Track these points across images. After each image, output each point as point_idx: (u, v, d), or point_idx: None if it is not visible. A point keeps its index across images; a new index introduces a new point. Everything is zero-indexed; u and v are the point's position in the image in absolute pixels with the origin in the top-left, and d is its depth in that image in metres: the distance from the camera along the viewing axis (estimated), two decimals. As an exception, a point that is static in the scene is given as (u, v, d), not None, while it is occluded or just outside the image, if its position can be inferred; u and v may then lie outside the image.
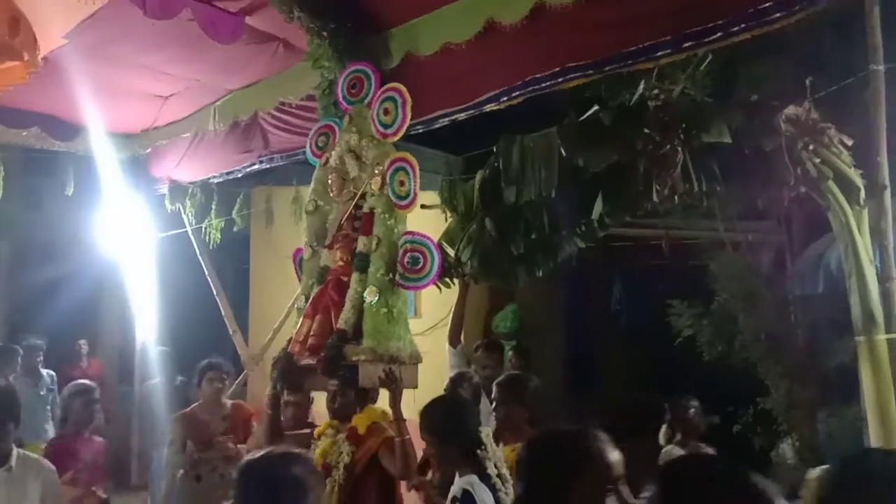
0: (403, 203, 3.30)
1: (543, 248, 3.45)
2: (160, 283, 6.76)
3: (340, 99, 3.71)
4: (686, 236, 5.30)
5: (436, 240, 3.49)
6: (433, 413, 2.75)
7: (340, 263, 3.37)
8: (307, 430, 3.37)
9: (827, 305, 4.09)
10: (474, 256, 3.53)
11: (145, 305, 6.67)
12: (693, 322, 4.99)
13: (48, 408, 6.67)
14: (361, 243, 3.33)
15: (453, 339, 4.28)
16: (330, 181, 3.48)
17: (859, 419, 3.38)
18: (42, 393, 6.61)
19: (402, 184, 3.30)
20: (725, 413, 5.29)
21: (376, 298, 3.17)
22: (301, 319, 3.37)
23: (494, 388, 3.29)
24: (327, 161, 3.61)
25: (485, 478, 2.53)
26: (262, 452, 1.88)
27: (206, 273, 6.91)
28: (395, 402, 3.06)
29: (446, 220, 4.06)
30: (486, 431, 2.67)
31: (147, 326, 6.70)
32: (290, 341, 3.34)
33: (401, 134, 3.50)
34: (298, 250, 3.73)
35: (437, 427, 2.69)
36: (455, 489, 2.50)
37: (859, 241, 3.26)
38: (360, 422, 3.14)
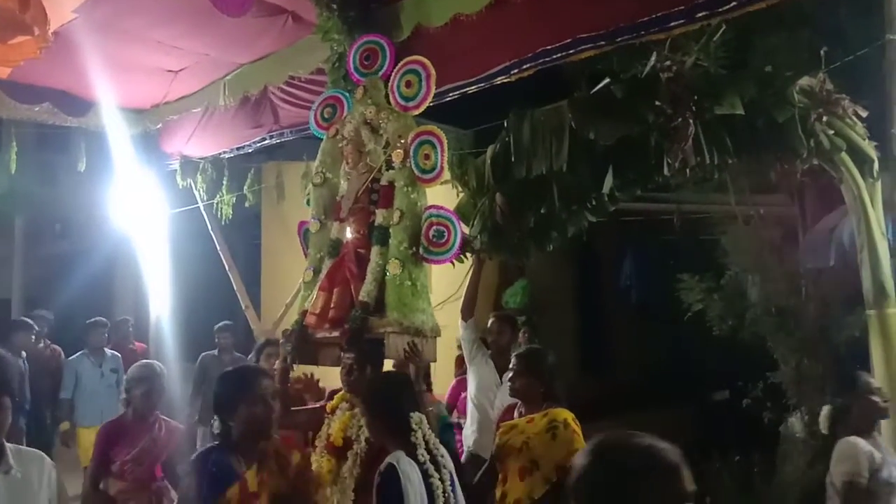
0: (429, 176, 3.29)
1: (554, 223, 3.43)
2: (172, 258, 6.82)
3: (352, 70, 3.68)
4: (697, 210, 5.27)
5: None
6: (372, 386, 2.83)
7: (357, 236, 3.34)
8: (319, 404, 3.36)
9: (838, 279, 4.06)
10: (484, 231, 3.53)
11: (158, 280, 6.74)
12: (703, 296, 4.97)
13: (114, 390, 6.14)
14: (381, 216, 3.31)
15: (466, 313, 4.30)
16: (345, 153, 3.45)
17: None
18: (105, 374, 6.30)
19: (427, 157, 3.28)
20: (735, 388, 5.31)
21: (400, 271, 3.18)
22: (315, 292, 3.35)
23: (513, 359, 3.34)
24: (337, 133, 3.59)
25: (415, 458, 2.56)
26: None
27: (218, 248, 6.96)
28: (419, 374, 3.11)
29: (457, 195, 4.05)
30: (419, 418, 2.66)
31: (160, 301, 6.77)
32: (303, 314, 3.33)
33: (423, 107, 3.47)
34: (303, 223, 3.72)
35: (370, 400, 2.75)
36: (383, 463, 2.55)
37: (872, 215, 3.24)
38: None
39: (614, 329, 8.12)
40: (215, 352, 6.14)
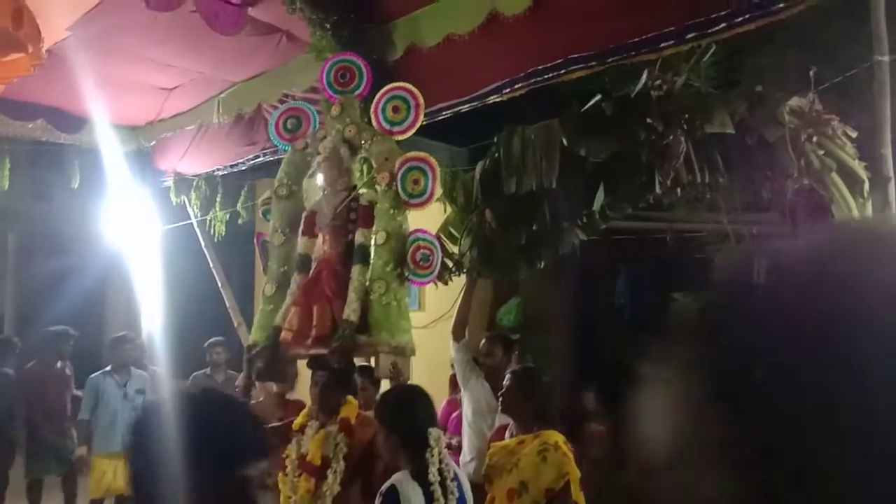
0: (417, 201, 3.29)
1: (544, 240, 3.44)
2: (165, 275, 6.79)
3: (326, 86, 3.63)
4: (690, 229, 5.27)
5: (434, 232, 3.51)
6: (385, 400, 2.80)
7: (332, 253, 3.30)
8: (285, 421, 3.36)
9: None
10: (474, 248, 3.52)
11: (150, 297, 6.70)
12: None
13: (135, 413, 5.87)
14: (362, 235, 3.30)
15: (458, 334, 4.28)
16: (322, 169, 3.43)
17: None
18: (129, 394, 5.88)
19: (416, 182, 3.27)
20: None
21: (385, 291, 3.17)
22: (284, 308, 3.29)
23: (507, 375, 3.33)
24: (307, 146, 3.56)
25: (423, 480, 2.47)
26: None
27: (211, 265, 6.93)
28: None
29: (445, 211, 4.05)
30: (437, 434, 2.59)
31: (152, 318, 6.73)
32: (276, 330, 3.25)
33: (409, 133, 3.47)
34: (261, 234, 3.68)
35: (384, 415, 2.70)
36: (385, 483, 2.50)
37: (863, 234, 3.25)
38: (349, 413, 3.17)
39: (608, 348, 8.09)
40: (207, 370, 6.02)
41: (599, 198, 3.20)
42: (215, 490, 1.22)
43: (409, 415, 2.65)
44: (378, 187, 3.36)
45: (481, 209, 3.47)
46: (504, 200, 3.41)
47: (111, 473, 5.71)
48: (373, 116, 3.46)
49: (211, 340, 6.11)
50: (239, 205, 6.61)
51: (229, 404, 1.44)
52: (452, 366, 5.27)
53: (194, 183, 6.23)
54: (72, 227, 7.94)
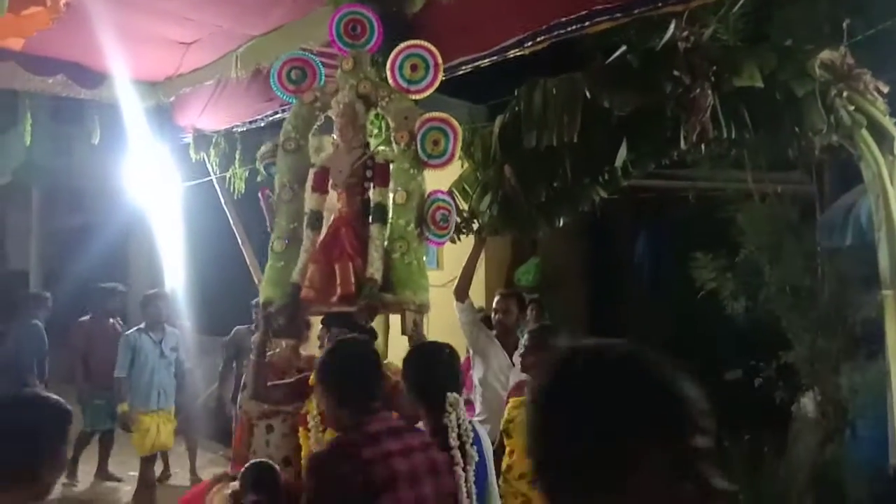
0: (437, 161, 3.27)
1: (564, 197, 3.40)
2: (186, 231, 6.85)
3: (335, 39, 3.51)
4: (713, 188, 5.20)
5: (448, 188, 3.48)
6: (411, 355, 2.77)
7: (347, 210, 3.28)
8: (299, 377, 3.35)
9: (855, 258, 4.01)
10: (493, 204, 3.49)
11: (172, 253, 6.78)
12: (717, 275, 4.93)
13: (172, 370, 6.07)
14: (379, 194, 3.29)
15: (461, 294, 4.29)
16: (337, 125, 3.36)
17: (883, 373, 3.35)
18: (165, 352, 5.99)
19: (436, 143, 3.24)
20: (747, 367, 5.27)
21: (407, 250, 3.18)
22: (306, 265, 3.25)
23: (526, 335, 3.35)
24: (316, 99, 3.49)
25: (442, 442, 2.45)
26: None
27: (231, 222, 6.97)
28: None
29: (462, 166, 4.00)
30: (454, 399, 2.54)
31: (174, 274, 6.82)
32: (295, 287, 3.21)
33: (428, 93, 3.41)
34: (265, 189, 3.63)
35: (408, 371, 2.69)
36: None
37: (891, 193, 3.18)
38: None
39: (626, 307, 8.08)
40: (252, 326, 6.06)
41: (622, 153, 3.14)
42: None
43: (431, 375, 2.61)
44: (396, 146, 3.32)
45: (500, 165, 3.43)
46: (523, 156, 3.37)
47: (155, 429, 5.86)
48: (389, 73, 3.39)
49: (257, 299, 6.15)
50: (258, 162, 6.60)
51: None
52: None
53: (213, 139, 6.22)
54: (93, 182, 8.01)
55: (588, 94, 3.17)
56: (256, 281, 7.14)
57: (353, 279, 3.12)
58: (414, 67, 3.37)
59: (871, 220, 3.37)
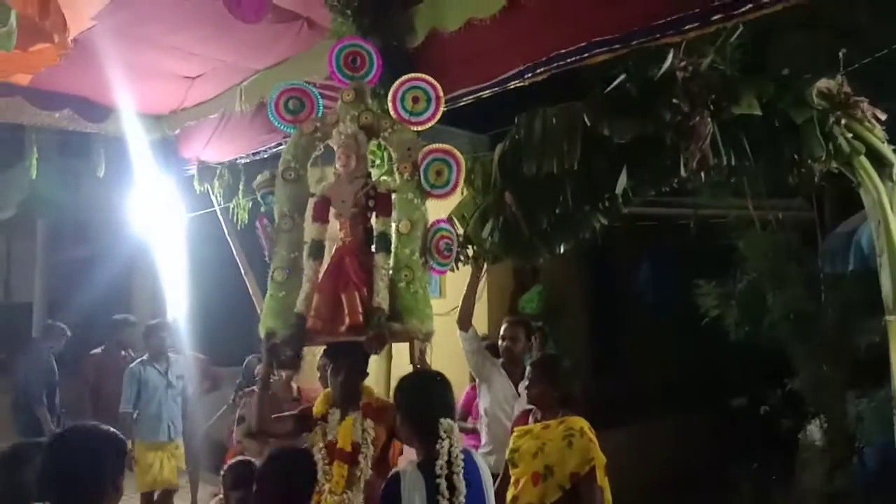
0: (440, 192, 3.29)
1: (565, 224, 3.42)
2: (190, 262, 6.87)
3: (335, 71, 3.52)
4: (714, 215, 5.23)
5: (444, 216, 3.50)
6: (401, 385, 2.80)
7: (350, 240, 3.29)
8: (302, 407, 3.39)
9: (857, 284, 4.01)
10: (494, 231, 3.50)
11: (175, 284, 6.79)
12: (720, 302, 4.93)
13: (180, 399, 5.96)
14: (382, 224, 3.29)
15: (464, 323, 4.29)
16: (338, 156, 3.36)
17: (889, 400, 3.33)
18: (172, 382, 5.90)
19: (439, 174, 3.27)
20: (753, 394, 5.24)
21: (413, 280, 3.18)
22: (310, 295, 3.22)
23: (528, 369, 3.35)
24: (317, 130, 3.48)
25: (430, 471, 2.43)
26: None
27: (235, 253, 7.00)
28: None
29: (461, 193, 4.04)
30: (448, 426, 2.53)
31: (177, 305, 6.82)
32: (300, 318, 3.17)
33: (429, 125, 3.43)
34: (263, 218, 3.57)
35: (399, 400, 2.72)
36: (393, 471, 2.50)
37: (891, 219, 3.20)
38: (369, 398, 3.21)
39: (630, 335, 8.06)
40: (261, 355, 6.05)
41: (622, 181, 3.17)
42: None
43: (422, 402, 2.63)
44: (399, 176, 3.34)
45: (500, 192, 3.45)
46: (524, 183, 3.39)
47: (158, 465, 5.75)
48: (391, 105, 3.42)
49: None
50: (256, 191, 6.65)
51: None
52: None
53: (217, 171, 6.29)
54: (98, 215, 8.06)
55: (588, 122, 3.21)
56: (259, 311, 7.16)
57: (360, 309, 3.10)
58: (416, 100, 3.39)
59: (872, 245, 3.38)
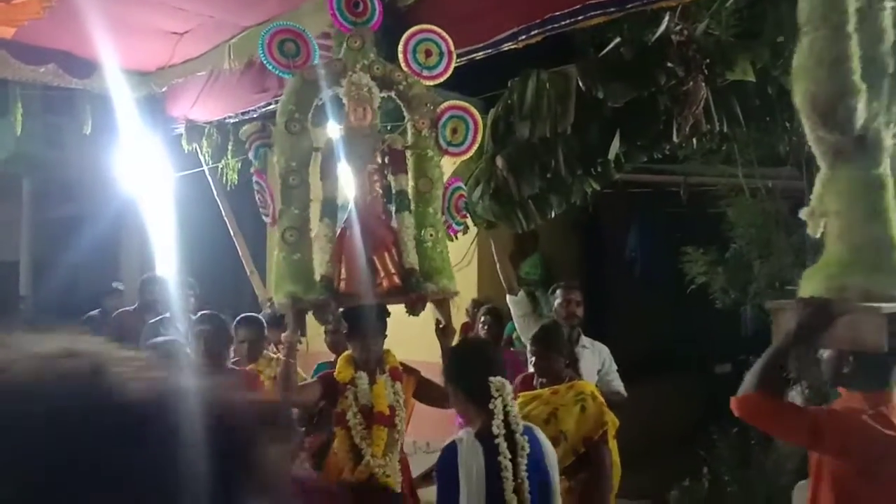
0: (456, 150, 3.23)
1: (557, 189, 3.41)
2: (179, 222, 6.82)
3: (337, 14, 3.29)
4: (704, 182, 5.23)
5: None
6: (449, 356, 2.79)
7: (368, 198, 3.12)
8: (323, 374, 3.29)
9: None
10: (485, 195, 3.50)
11: (164, 244, 6.75)
12: (707, 269, 4.97)
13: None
14: (400, 181, 3.15)
15: (512, 288, 4.31)
16: (350, 108, 3.15)
17: None
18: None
19: (454, 131, 3.20)
20: (737, 360, 5.31)
21: (437, 239, 3.12)
22: (336, 256, 3.04)
23: (530, 342, 3.38)
24: (319, 77, 3.21)
25: (486, 436, 2.33)
26: None
27: (224, 214, 6.97)
28: (450, 339, 3.10)
29: (454, 163, 4.02)
30: (500, 383, 2.41)
31: (166, 265, 6.79)
32: (327, 280, 3.00)
33: (442, 79, 3.33)
34: (259, 174, 3.32)
35: (447, 369, 2.67)
36: (449, 440, 2.41)
37: (880, 188, 3.21)
38: (394, 361, 3.16)
39: (618, 300, 8.12)
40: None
41: (615, 146, 3.16)
42: None
43: (469, 366, 2.56)
44: (415, 132, 3.21)
45: (492, 156, 3.43)
46: (516, 148, 3.37)
47: None
48: (402, 58, 3.27)
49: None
50: (251, 153, 6.57)
51: None
52: (467, 312, 5.33)
53: (206, 130, 6.21)
54: (85, 173, 7.96)
55: (581, 85, 3.18)
56: (248, 272, 7.15)
57: (395, 270, 3.01)
58: (428, 53, 3.27)
59: None
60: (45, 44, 5.45)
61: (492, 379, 2.40)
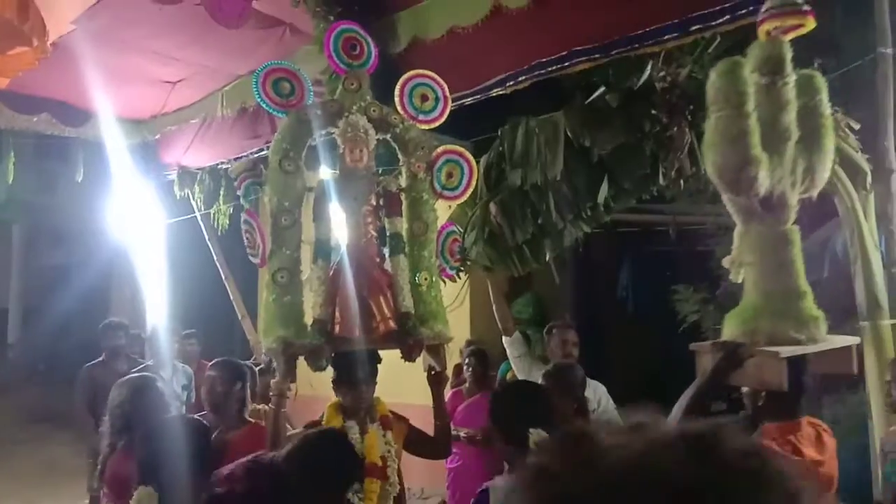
0: (450, 194, 3.22)
1: (549, 233, 3.45)
2: (170, 268, 6.82)
3: (333, 56, 3.29)
4: (692, 221, 5.29)
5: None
6: (494, 398, 2.67)
7: (363, 240, 3.07)
8: (312, 421, 3.12)
9: (833, 290, 4.08)
10: (479, 241, 3.53)
11: (155, 290, 6.73)
12: (699, 307, 5.00)
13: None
14: (394, 224, 3.12)
15: (507, 330, 4.30)
16: (351, 148, 3.09)
17: (863, 404, 3.39)
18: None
19: (450, 175, 3.20)
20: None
21: (432, 283, 3.08)
22: (329, 299, 2.96)
23: (542, 379, 3.27)
24: (313, 117, 3.19)
25: None
26: None
27: (215, 259, 6.97)
28: (443, 386, 3.05)
29: (449, 206, 4.05)
30: (538, 436, 2.31)
31: (157, 311, 6.76)
32: (320, 324, 2.93)
33: (437, 124, 3.35)
34: (251, 213, 3.24)
35: (494, 412, 2.55)
36: (481, 486, 2.36)
37: (865, 226, 3.27)
38: (384, 409, 3.04)
39: (611, 338, 8.12)
40: (179, 360, 5.68)
41: (604, 190, 3.22)
42: None
43: (510, 412, 2.47)
44: (407, 175, 3.20)
45: (485, 202, 3.48)
46: (509, 194, 3.42)
47: None
48: (398, 101, 3.28)
49: (186, 331, 5.86)
50: (240, 191, 6.60)
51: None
52: (461, 353, 5.30)
53: (198, 176, 6.25)
54: (76, 219, 7.97)
55: (569, 134, 3.24)
56: (240, 316, 7.12)
57: (391, 314, 2.93)
58: (424, 97, 3.29)
59: (846, 252, 3.45)
60: (40, 93, 5.50)
61: (532, 430, 2.34)
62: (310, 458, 2.34)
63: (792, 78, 2.30)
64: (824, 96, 2.43)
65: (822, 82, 2.46)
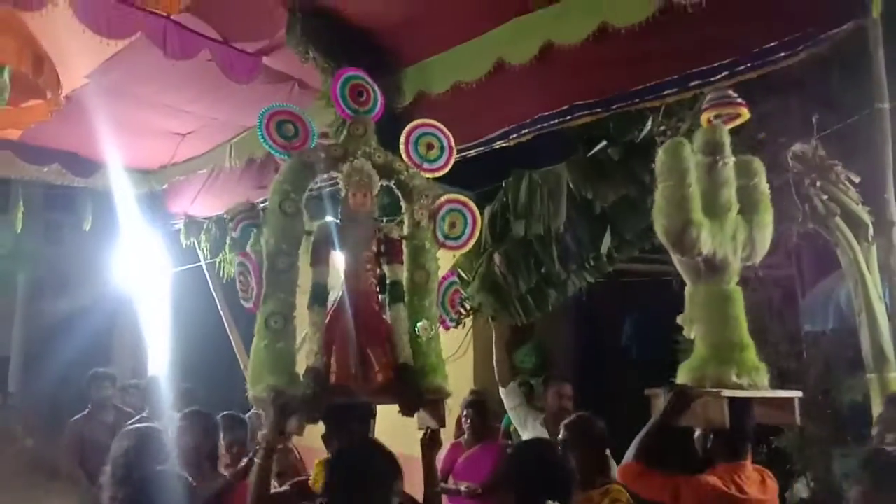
0: (453, 244, 3.18)
1: (553, 283, 3.47)
2: (174, 316, 6.83)
3: (340, 101, 3.27)
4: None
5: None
6: (511, 455, 2.63)
7: (363, 287, 2.99)
8: (298, 480, 3.02)
9: (838, 342, 4.06)
10: (482, 291, 3.54)
11: (158, 339, 6.73)
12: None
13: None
14: (395, 272, 3.04)
15: (504, 380, 4.25)
16: (353, 193, 3.03)
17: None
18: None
19: (453, 225, 3.16)
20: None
21: (433, 335, 2.97)
22: (326, 347, 2.86)
23: (562, 431, 3.19)
24: (316, 161, 3.10)
25: None
26: None
27: (219, 307, 6.97)
28: (436, 450, 2.89)
29: (453, 256, 4.07)
30: None
31: (160, 360, 6.74)
32: (314, 372, 2.79)
33: (442, 173, 3.29)
34: (246, 255, 3.09)
35: (507, 470, 2.53)
36: None
37: (868, 278, 3.28)
38: None
39: (615, 387, 8.04)
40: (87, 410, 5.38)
41: (606, 241, 3.25)
42: None
43: (529, 478, 2.39)
44: (412, 223, 3.14)
45: (490, 253, 3.50)
46: (512, 244, 3.45)
47: None
48: (403, 150, 3.26)
49: (94, 371, 5.48)
50: (248, 247, 6.65)
51: None
52: (460, 406, 5.23)
53: (205, 226, 6.31)
54: (82, 268, 8.02)
55: (571, 186, 3.29)
56: (242, 366, 7.07)
57: (390, 366, 2.83)
58: (430, 146, 3.27)
59: (850, 304, 3.45)
60: (51, 144, 5.60)
61: (547, 501, 2.28)
62: None
63: (731, 159, 2.65)
64: (762, 177, 2.75)
65: (760, 166, 2.77)
